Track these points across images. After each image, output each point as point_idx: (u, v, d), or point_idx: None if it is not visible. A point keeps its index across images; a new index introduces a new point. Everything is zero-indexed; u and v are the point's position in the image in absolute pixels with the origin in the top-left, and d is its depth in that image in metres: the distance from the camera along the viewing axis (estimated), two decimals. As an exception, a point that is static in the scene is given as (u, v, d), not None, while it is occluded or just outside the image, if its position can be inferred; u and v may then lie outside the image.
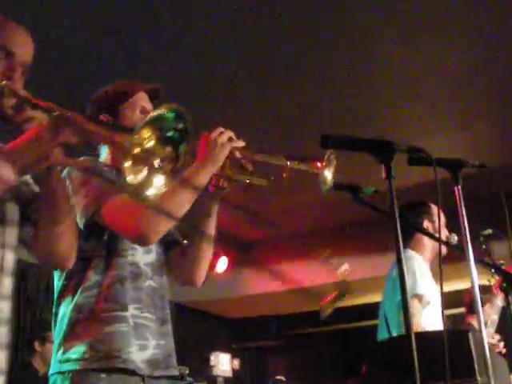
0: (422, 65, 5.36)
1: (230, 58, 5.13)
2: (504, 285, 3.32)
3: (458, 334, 2.53)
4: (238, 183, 2.69)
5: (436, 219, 4.25)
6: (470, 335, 2.46)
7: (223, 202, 2.78)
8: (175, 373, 2.68)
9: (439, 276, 2.42)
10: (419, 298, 3.90)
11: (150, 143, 1.82)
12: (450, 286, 6.81)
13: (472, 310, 5.62)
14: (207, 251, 2.80)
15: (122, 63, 4.97)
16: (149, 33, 4.74)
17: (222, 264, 8.73)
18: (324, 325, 10.50)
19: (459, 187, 2.60)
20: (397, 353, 2.20)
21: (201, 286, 2.87)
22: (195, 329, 9.59)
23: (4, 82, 1.97)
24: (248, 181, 2.65)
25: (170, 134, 1.86)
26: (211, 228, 2.76)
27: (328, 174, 2.50)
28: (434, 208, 4.29)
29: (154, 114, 1.80)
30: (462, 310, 5.92)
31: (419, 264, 4.12)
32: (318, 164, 2.48)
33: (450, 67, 5.43)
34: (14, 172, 1.82)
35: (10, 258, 2.06)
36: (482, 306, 6.11)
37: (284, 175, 2.54)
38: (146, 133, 1.80)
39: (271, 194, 7.34)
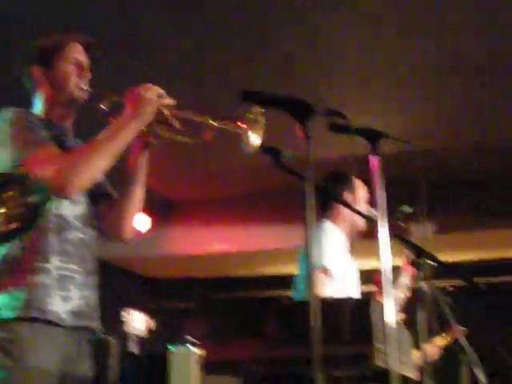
0: (361, 50, 5.39)
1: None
2: (415, 260, 3.39)
3: (359, 301, 2.57)
4: (165, 140, 2.71)
5: (357, 191, 4.28)
6: (372, 303, 2.50)
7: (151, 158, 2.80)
8: (97, 325, 2.69)
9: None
10: (325, 270, 3.90)
11: None
12: (367, 264, 6.90)
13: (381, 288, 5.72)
14: (135, 207, 2.81)
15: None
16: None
17: (145, 223, 8.68)
18: (240, 291, 10.62)
19: (377, 158, 2.63)
20: (299, 316, 2.23)
21: (127, 242, 2.88)
22: (114, 286, 9.51)
23: None
24: (175, 138, 2.67)
25: None
26: (139, 183, 2.78)
27: (252, 135, 2.51)
28: (357, 181, 4.31)
29: None
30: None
31: (333, 236, 4.12)
32: (244, 125, 2.48)
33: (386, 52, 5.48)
34: None
35: None
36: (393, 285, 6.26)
37: (209, 134, 2.56)
38: None
39: (198, 156, 7.35)
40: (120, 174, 2.76)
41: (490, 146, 7.11)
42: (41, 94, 2.75)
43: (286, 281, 4.40)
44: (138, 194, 2.78)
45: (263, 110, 2.46)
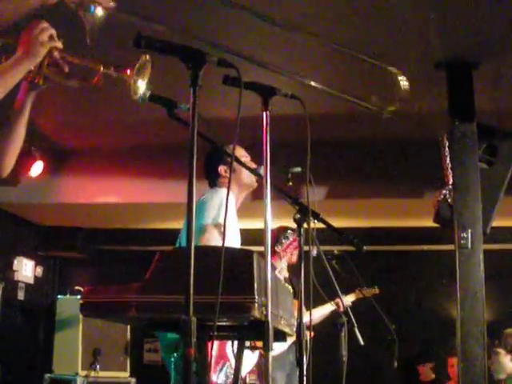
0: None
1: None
2: (298, 216, 3.47)
3: (243, 252, 2.61)
4: (53, 83, 2.70)
5: (242, 151, 4.42)
6: (255, 256, 2.55)
7: (44, 103, 2.78)
8: None
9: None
10: (219, 226, 4.00)
11: None
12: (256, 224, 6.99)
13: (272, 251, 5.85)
14: (15, 145, 2.79)
15: None
16: None
17: (37, 168, 8.52)
18: (130, 244, 10.60)
19: (267, 113, 2.66)
20: (178, 262, 2.26)
21: (3, 177, 2.86)
22: (2, 231, 9.37)
23: None
24: (63, 82, 2.67)
25: None
26: (22, 123, 2.77)
27: (139, 82, 2.54)
28: (238, 146, 4.40)
29: None
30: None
31: (221, 195, 4.22)
32: (128, 71, 2.50)
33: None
34: None
35: None
36: (278, 245, 6.38)
37: (96, 79, 2.59)
38: None
39: (94, 105, 7.24)
40: (4, 111, 2.74)
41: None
42: None
43: (173, 235, 4.43)
44: (20, 133, 2.77)
45: (149, 58, 2.50)
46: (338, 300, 6.01)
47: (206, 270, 2.34)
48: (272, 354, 2.67)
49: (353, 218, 9.32)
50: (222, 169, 4.43)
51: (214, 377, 3.83)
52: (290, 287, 4.79)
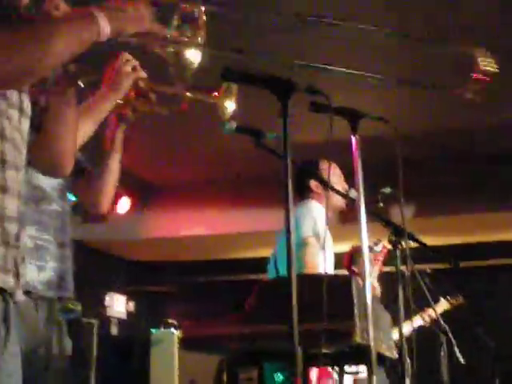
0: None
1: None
2: (393, 238, 3.42)
3: (341, 278, 2.59)
4: (142, 113, 2.72)
5: (335, 171, 4.37)
6: (353, 281, 2.52)
7: (129, 140, 2.82)
8: (69, 295, 2.71)
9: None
10: (317, 238, 3.96)
11: None
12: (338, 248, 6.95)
13: (350, 268, 5.80)
14: (112, 181, 2.86)
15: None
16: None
17: (124, 205, 8.65)
18: (220, 275, 10.62)
19: (356, 137, 2.64)
20: (280, 292, 2.24)
21: (103, 214, 2.92)
22: (93, 268, 9.49)
23: None
24: (151, 111, 2.68)
25: None
26: (116, 159, 2.82)
27: (227, 105, 2.53)
28: (329, 163, 4.37)
29: None
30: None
31: (318, 210, 4.20)
32: (216, 93, 2.50)
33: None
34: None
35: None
36: (356, 265, 6.31)
37: (184, 105, 2.58)
38: None
39: (178, 138, 7.33)
40: (96, 149, 2.78)
41: (469, 128, 7.12)
42: None
43: (263, 263, 4.43)
44: (115, 168, 2.82)
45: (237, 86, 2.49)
46: (426, 313, 5.94)
47: (307, 297, 2.32)
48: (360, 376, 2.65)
49: (443, 235, 9.17)
50: (313, 184, 4.37)
51: None
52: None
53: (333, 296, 2.43)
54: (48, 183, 2.67)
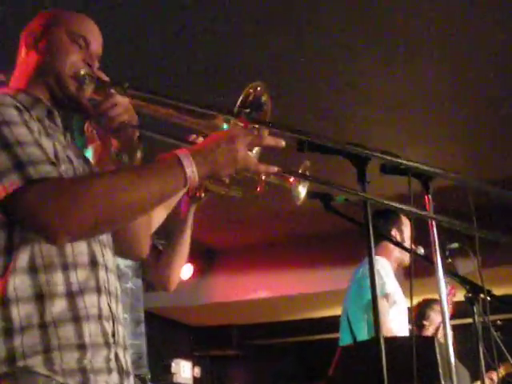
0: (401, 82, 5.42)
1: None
2: (470, 296, 3.39)
3: (424, 340, 2.58)
4: (214, 194, 2.77)
5: (404, 229, 4.36)
6: (436, 342, 2.52)
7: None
8: (145, 373, 2.72)
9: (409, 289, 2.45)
10: (387, 297, 3.94)
11: None
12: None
13: (418, 325, 5.72)
14: (182, 258, 2.86)
15: None
16: None
17: (187, 271, 8.71)
18: (284, 337, 10.56)
19: (430, 197, 2.65)
20: (364, 357, 2.25)
21: (171, 291, 2.92)
22: (157, 335, 9.54)
23: (87, 70, 1.94)
24: (224, 192, 2.67)
25: None
26: (187, 236, 2.83)
27: (302, 190, 2.51)
28: (404, 218, 4.38)
29: None
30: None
31: (383, 265, 4.19)
32: (292, 179, 2.48)
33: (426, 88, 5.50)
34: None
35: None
36: (426, 319, 6.19)
37: (259, 188, 2.56)
38: None
39: (239, 201, 7.37)
40: (167, 225, 2.81)
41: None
42: None
43: (328, 323, 4.41)
44: (186, 245, 2.83)
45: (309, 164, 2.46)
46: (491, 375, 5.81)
47: (391, 361, 2.31)
48: None
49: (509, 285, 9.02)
50: (395, 232, 4.38)
51: None
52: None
53: (417, 358, 2.43)
54: (122, 261, 2.70)
